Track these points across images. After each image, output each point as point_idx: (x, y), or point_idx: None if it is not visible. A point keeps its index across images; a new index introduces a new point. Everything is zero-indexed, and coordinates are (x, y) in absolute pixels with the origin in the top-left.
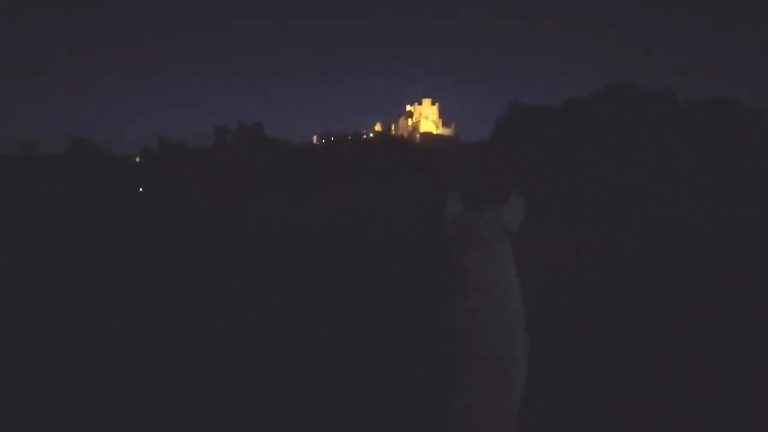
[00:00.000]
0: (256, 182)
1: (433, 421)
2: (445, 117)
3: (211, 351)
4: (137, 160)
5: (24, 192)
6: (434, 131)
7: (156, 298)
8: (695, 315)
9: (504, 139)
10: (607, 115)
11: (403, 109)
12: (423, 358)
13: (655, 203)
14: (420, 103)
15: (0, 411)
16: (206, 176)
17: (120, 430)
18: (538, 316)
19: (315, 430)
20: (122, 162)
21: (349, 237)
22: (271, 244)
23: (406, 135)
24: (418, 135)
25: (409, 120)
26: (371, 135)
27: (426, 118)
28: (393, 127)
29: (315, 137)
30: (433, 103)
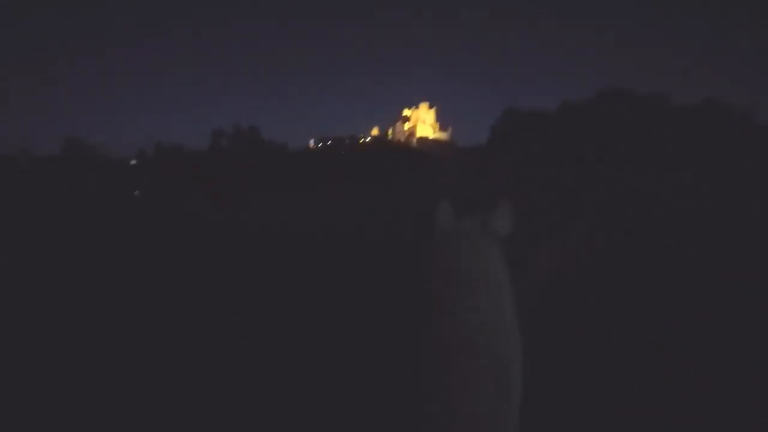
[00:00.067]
0: (252, 184)
1: (432, 420)
2: (442, 121)
3: (211, 351)
4: (133, 162)
5: (20, 192)
6: (431, 135)
7: (156, 298)
8: (695, 315)
9: (499, 145)
10: (605, 116)
11: (400, 113)
12: (422, 357)
13: (655, 203)
14: (417, 107)
15: (0, 411)
16: (202, 178)
17: (120, 430)
18: (538, 316)
19: (315, 428)
20: (118, 164)
21: (348, 237)
22: (270, 244)
23: (402, 139)
24: (414, 139)
25: (406, 124)
26: (368, 140)
27: (423, 122)
28: (390, 132)
29: (312, 141)
30: (430, 107)
